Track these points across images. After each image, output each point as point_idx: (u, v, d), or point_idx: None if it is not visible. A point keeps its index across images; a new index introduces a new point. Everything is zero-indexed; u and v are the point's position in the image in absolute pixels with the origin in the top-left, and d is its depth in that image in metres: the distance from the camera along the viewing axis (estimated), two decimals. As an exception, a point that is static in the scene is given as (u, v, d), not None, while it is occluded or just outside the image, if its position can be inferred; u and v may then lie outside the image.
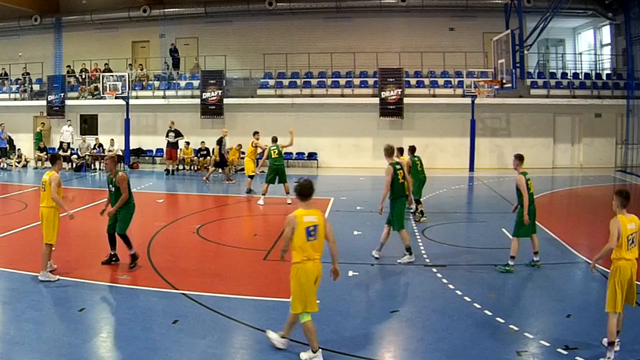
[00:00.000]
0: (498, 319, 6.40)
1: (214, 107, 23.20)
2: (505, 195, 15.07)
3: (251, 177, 16.07)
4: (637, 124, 20.97)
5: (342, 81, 23.59)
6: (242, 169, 20.57)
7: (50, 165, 8.13)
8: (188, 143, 22.35)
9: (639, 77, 21.37)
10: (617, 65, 23.20)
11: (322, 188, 16.33)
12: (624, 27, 21.57)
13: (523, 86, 21.48)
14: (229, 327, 6.29)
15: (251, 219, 13.44)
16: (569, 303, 7.06)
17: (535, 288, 7.93)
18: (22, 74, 25.74)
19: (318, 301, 5.44)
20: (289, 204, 13.66)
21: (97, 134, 24.22)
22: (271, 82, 23.97)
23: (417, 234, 10.76)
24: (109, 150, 21.87)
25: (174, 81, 24.53)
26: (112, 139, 22.42)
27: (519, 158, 8.57)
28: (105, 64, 25.04)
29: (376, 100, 22.35)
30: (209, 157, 22.07)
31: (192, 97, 23.78)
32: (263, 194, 14.14)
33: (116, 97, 22.28)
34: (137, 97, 23.78)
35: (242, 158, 20.32)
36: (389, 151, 8.94)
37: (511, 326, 6.18)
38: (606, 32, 24.05)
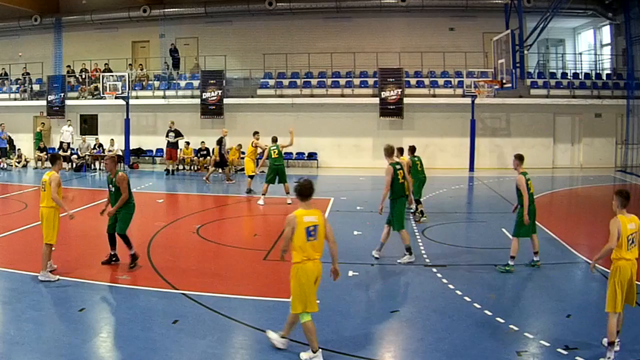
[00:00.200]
0: (498, 319, 6.40)
1: (214, 107, 23.20)
2: (505, 195, 15.07)
3: (251, 177, 16.08)
4: (637, 124, 20.97)
5: (342, 81, 23.59)
6: (242, 169, 20.62)
7: (50, 165, 8.13)
8: (188, 143, 22.35)
9: (639, 77, 21.37)
10: (617, 65, 23.20)
11: (322, 188, 16.33)
12: (624, 27, 21.57)
13: (523, 86, 21.49)
14: (229, 327, 6.29)
15: (251, 219, 13.44)
16: (569, 303, 7.06)
17: (535, 288, 7.93)
18: (22, 74, 25.74)
19: (318, 301, 5.44)
20: (289, 204, 13.66)
21: (97, 134, 24.22)
22: (271, 82, 23.97)
23: (417, 234, 10.76)
24: (109, 150, 21.87)
25: (174, 81, 24.53)
26: (112, 139, 22.42)
27: (519, 158, 8.58)
28: (105, 64, 25.04)
29: (376, 100, 22.35)
30: (209, 157, 22.08)
31: (192, 97, 23.78)
32: (263, 194, 14.15)
33: (116, 97, 22.28)
34: (137, 97, 23.78)
35: (242, 158, 20.37)
36: (389, 151, 8.94)
37: (511, 326, 6.18)
38: (606, 32, 24.05)
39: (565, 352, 5.49)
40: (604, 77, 23.18)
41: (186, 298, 7.09)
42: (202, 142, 22.04)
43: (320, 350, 5.34)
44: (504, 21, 18.46)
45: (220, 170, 19.45)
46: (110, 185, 8.36)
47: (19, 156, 23.20)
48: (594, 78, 22.82)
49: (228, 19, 25.25)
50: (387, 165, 8.74)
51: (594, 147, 22.49)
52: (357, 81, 23.59)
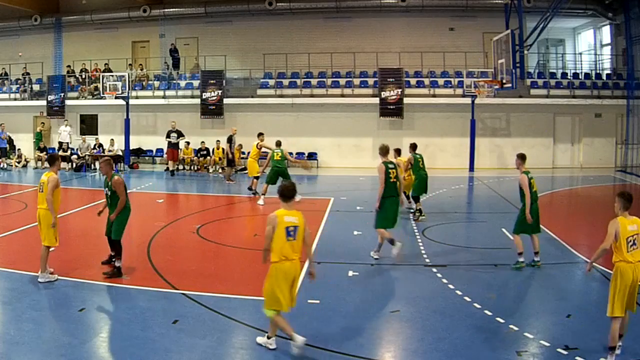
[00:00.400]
0: (498, 319, 6.40)
1: (214, 107, 23.20)
2: (505, 195, 15.07)
3: (257, 177, 15.96)
4: (637, 124, 20.96)
5: (342, 81, 23.58)
6: (242, 169, 20.60)
7: (48, 166, 8.11)
8: (188, 143, 22.35)
9: (639, 77, 21.37)
10: (617, 65, 23.20)
11: (322, 188, 16.33)
12: (624, 27, 21.56)
13: (523, 86, 21.50)
14: (229, 327, 6.29)
15: (251, 219, 13.44)
16: (569, 303, 7.06)
17: (535, 288, 7.93)
18: (22, 74, 25.74)
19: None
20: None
21: (97, 134, 24.21)
22: (271, 82, 23.96)
23: (417, 233, 10.76)
24: (109, 151, 21.87)
25: (174, 81, 24.53)
26: (112, 139, 22.42)
27: (521, 157, 8.63)
28: (105, 64, 25.04)
29: (376, 100, 22.35)
30: (209, 157, 22.08)
31: (192, 97, 23.77)
32: (263, 194, 14.17)
33: (116, 97, 22.28)
34: (137, 97, 23.78)
35: (242, 158, 20.36)
36: (383, 150, 8.93)
37: (511, 326, 6.17)
38: (606, 32, 24.05)
39: (565, 352, 5.48)
40: (604, 77, 23.18)
41: (186, 298, 7.08)
42: (202, 142, 22.04)
43: (274, 338, 5.56)
44: (504, 21, 18.47)
45: (220, 171, 19.42)
46: (107, 189, 8.12)
47: (19, 156, 23.19)
48: (594, 78, 22.82)
49: (228, 19, 25.24)
50: (379, 164, 8.75)
51: (594, 147, 22.49)
52: (357, 81, 23.58)
